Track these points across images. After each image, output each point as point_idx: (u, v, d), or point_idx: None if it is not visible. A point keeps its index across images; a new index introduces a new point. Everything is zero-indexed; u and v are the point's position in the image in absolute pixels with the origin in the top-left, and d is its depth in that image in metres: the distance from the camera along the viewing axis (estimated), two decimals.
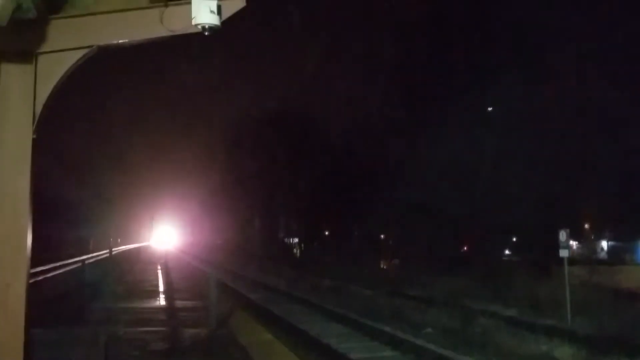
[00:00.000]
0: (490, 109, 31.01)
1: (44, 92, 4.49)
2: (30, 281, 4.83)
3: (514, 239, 39.37)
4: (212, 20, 4.46)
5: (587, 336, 11.27)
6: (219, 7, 4.49)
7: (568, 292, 13.39)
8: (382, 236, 46.24)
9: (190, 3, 4.48)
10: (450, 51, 31.39)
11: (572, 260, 16.21)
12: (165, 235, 70.31)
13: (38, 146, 4.57)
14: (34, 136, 4.52)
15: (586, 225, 42.87)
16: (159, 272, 27.07)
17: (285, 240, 53.75)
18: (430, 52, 32.67)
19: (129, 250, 42.13)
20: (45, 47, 4.48)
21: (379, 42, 35.50)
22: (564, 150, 28.77)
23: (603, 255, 41.33)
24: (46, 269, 16.50)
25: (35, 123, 4.49)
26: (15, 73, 4.46)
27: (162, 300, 15.52)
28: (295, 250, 51.34)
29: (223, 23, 4.55)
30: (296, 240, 52.35)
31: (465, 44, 30.96)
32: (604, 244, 45.42)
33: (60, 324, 9.56)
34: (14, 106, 4.48)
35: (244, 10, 4.68)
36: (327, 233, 49.45)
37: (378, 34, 37.23)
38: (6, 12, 3.93)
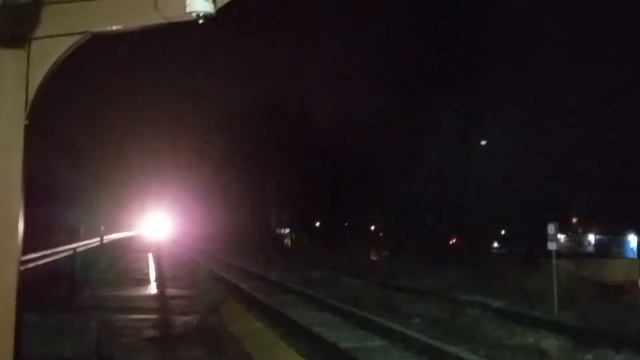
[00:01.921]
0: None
1: (37, 77, 4.46)
2: (21, 268, 4.82)
3: (503, 232, 39.68)
4: (207, 8, 4.43)
5: (573, 328, 11.43)
6: None
7: (555, 285, 13.54)
8: (372, 228, 46.47)
9: None
10: (445, 46, 31.39)
11: (560, 254, 16.40)
12: (157, 224, 69.96)
13: (30, 132, 4.54)
14: (27, 122, 4.49)
15: (574, 219, 43.25)
16: (151, 260, 27.04)
17: (277, 230, 53.83)
18: (424, 46, 32.67)
19: (121, 239, 41.97)
20: (38, 32, 4.44)
21: (373, 36, 35.51)
22: (552, 145, 28.97)
23: (590, 248, 41.78)
24: (37, 257, 16.43)
25: (28, 109, 4.46)
26: (8, 58, 4.43)
27: (153, 289, 15.53)
28: (286, 240, 51.47)
29: (218, 11, 4.54)
30: (287, 230, 52.47)
31: (459, 40, 30.98)
32: (592, 237, 45.89)
33: (52, 311, 9.56)
34: (7, 92, 4.45)
35: None
36: (318, 224, 49.56)
37: (372, 28, 37.23)
38: None
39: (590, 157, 29.63)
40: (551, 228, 14.04)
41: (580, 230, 46.61)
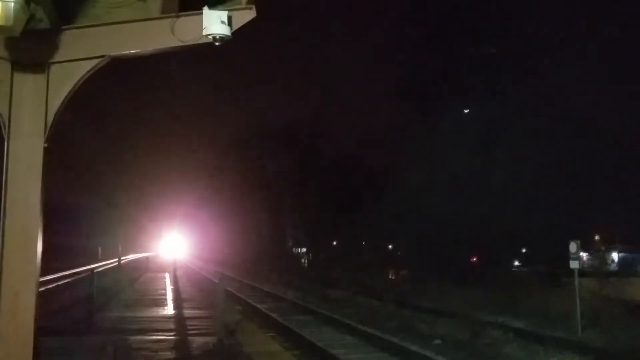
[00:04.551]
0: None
1: (56, 101, 4.54)
2: (40, 289, 4.84)
3: (524, 250, 39.05)
4: (223, 30, 4.49)
5: (597, 349, 11.12)
6: (229, 18, 4.52)
7: (578, 304, 13.23)
8: (390, 247, 46.07)
9: (201, 14, 4.52)
10: (459, 62, 31.39)
11: (582, 272, 16.03)
12: (174, 245, 70.28)
13: (49, 155, 4.60)
14: (46, 145, 4.55)
15: (596, 237, 42.37)
16: (167, 281, 27.09)
17: (294, 249, 53.67)
18: (438, 61, 32.71)
19: (138, 259, 42.22)
20: (57, 57, 4.53)
21: (387, 54, 35.73)
22: (574, 161, 28.59)
23: (614, 266, 40.78)
24: (56, 277, 16.58)
25: (47, 132, 4.53)
26: (28, 82, 4.51)
27: (170, 309, 15.51)
28: (303, 259, 51.23)
29: (233, 33, 4.59)
30: (304, 249, 52.27)
31: (474, 54, 30.94)
32: (615, 255, 44.90)
33: (70, 333, 9.58)
34: (26, 115, 4.53)
35: (254, 21, 4.72)
36: (334, 243, 49.29)
37: (385, 42, 37.49)
38: (20, 23, 3.98)
39: (613, 173, 29.17)
40: (573, 246, 13.78)
41: (603, 248, 45.62)
